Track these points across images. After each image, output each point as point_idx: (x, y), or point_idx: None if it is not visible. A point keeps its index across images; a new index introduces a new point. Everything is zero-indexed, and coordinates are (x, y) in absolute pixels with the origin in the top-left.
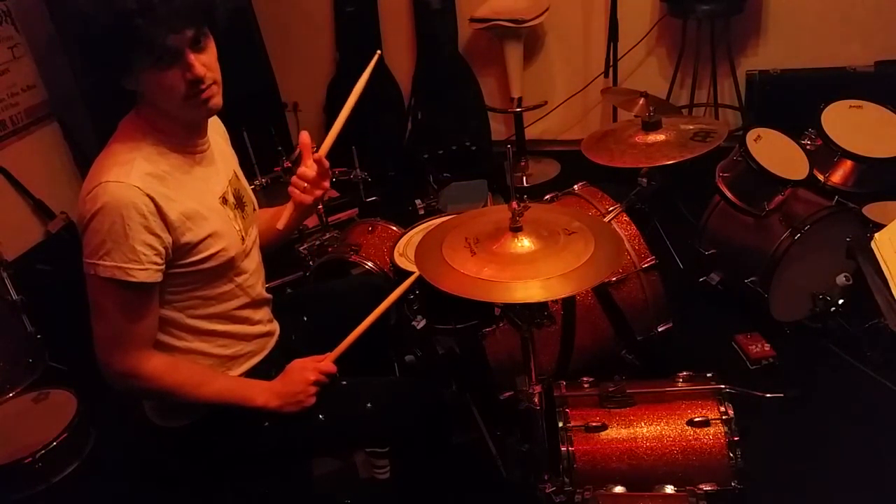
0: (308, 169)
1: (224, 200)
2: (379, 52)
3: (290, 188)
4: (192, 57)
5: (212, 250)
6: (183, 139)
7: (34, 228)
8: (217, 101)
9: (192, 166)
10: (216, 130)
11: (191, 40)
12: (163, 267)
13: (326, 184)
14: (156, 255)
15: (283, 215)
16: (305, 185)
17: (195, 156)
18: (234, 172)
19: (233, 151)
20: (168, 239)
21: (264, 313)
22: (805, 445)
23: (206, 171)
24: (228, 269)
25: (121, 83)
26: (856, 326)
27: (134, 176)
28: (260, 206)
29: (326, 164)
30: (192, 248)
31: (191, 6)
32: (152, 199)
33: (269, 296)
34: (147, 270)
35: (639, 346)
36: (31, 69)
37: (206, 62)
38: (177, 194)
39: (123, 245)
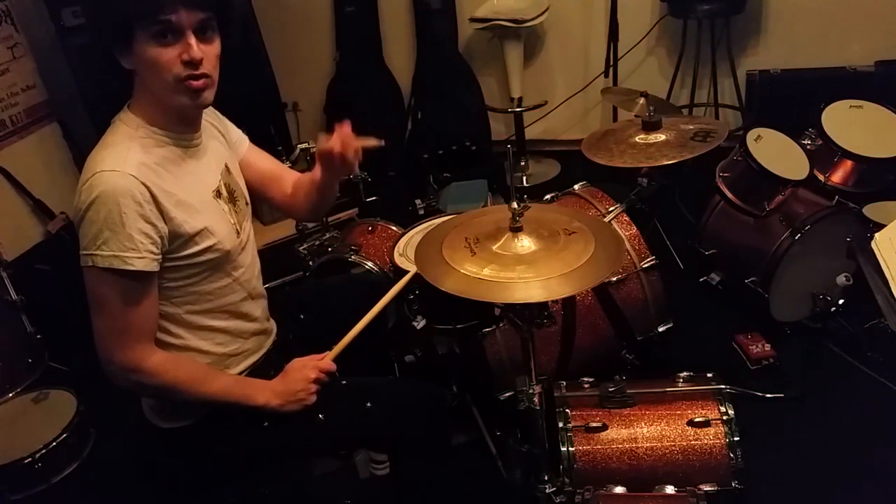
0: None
1: (218, 194)
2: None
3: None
4: (194, 40)
5: (207, 243)
6: (176, 132)
7: (34, 228)
8: (208, 95)
9: (185, 159)
10: (212, 123)
11: (197, 24)
12: (159, 256)
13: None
14: (151, 243)
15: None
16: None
17: (188, 149)
18: (226, 166)
19: (239, 137)
20: (164, 228)
21: (261, 309)
22: (805, 445)
23: (198, 165)
24: (225, 262)
25: (120, 60)
26: (856, 326)
27: (129, 165)
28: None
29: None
30: (187, 239)
31: None
32: (147, 187)
33: (264, 291)
34: (144, 259)
35: (639, 346)
36: (31, 69)
37: (206, 52)
38: (171, 185)
39: (120, 233)
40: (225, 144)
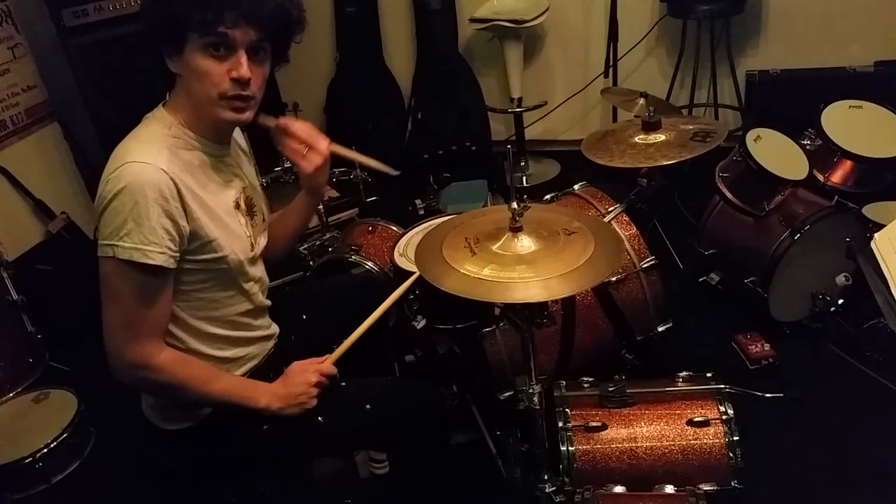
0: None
1: (237, 205)
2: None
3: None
4: (245, 58)
5: (220, 252)
6: (207, 139)
7: (34, 228)
8: (248, 115)
9: (211, 167)
10: (241, 147)
11: (251, 43)
12: (177, 254)
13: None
14: (170, 240)
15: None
16: (301, 145)
17: (216, 158)
18: (249, 182)
19: (252, 169)
20: (186, 227)
21: (264, 320)
22: (805, 445)
23: (224, 175)
24: (237, 273)
25: (167, 62)
26: (855, 326)
27: (160, 158)
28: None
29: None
30: (204, 243)
31: (271, 14)
32: (176, 184)
33: (269, 303)
34: (164, 254)
35: (639, 346)
36: (32, 69)
37: (255, 74)
38: (197, 187)
39: (144, 226)
40: (246, 171)
